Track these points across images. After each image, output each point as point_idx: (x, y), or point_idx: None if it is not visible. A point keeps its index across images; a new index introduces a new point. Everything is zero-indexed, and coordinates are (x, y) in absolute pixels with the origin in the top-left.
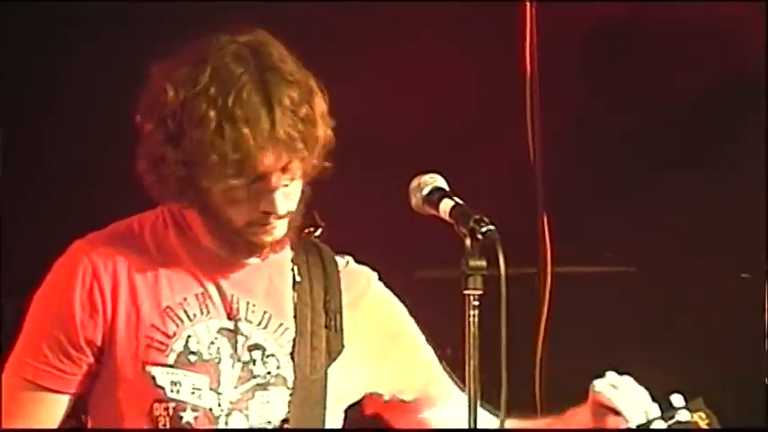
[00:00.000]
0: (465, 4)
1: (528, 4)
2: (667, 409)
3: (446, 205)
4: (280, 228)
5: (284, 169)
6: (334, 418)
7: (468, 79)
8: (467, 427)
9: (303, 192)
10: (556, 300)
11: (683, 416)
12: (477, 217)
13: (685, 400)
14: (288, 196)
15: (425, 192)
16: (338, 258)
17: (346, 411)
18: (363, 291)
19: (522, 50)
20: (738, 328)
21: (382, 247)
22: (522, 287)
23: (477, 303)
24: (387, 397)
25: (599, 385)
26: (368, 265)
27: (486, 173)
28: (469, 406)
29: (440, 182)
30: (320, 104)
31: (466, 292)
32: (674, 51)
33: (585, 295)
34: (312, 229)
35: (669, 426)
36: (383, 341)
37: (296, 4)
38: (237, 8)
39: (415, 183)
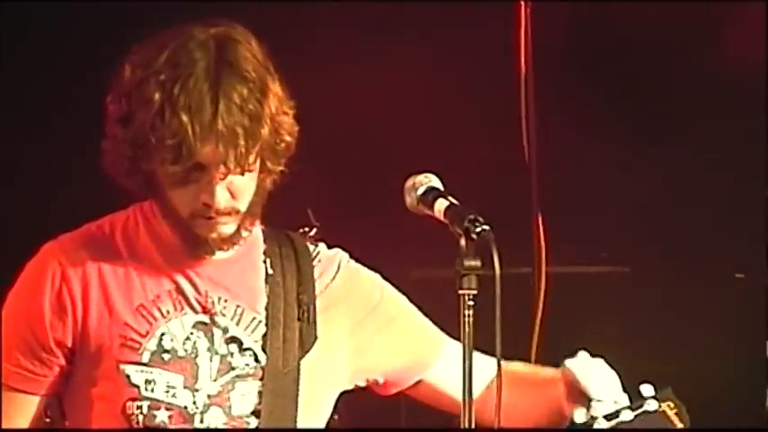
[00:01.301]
0: (459, 3)
1: (522, 3)
2: (636, 399)
3: (441, 205)
4: (226, 225)
5: (225, 163)
6: (321, 408)
7: (463, 78)
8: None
9: (258, 193)
10: (551, 300)
11: (650, 405)
12: (472, 217)
13: (655, 389)
14: (233, 192)
15: (420, 192)
16: (311, 247)
17: (338, 398)
18: (334, 275)
19: (517, 49)
20: (733, 329)
21: (377, 247)
22: (517, 287)
23: (472, 303)
24: (381, 380)
25: (569, 363)
26: (364, 266)
27: (481, 172)
28: (464, 404)
29: (434, 182)
30: (273, 106)
31: (461, 291)
32: (671, 50)
33: (580, 295)
34: (306, 229)
35: (636, 415)
36: (361, 322)
37: (290, 4)
38: (233, 8)
39: (409, 182)
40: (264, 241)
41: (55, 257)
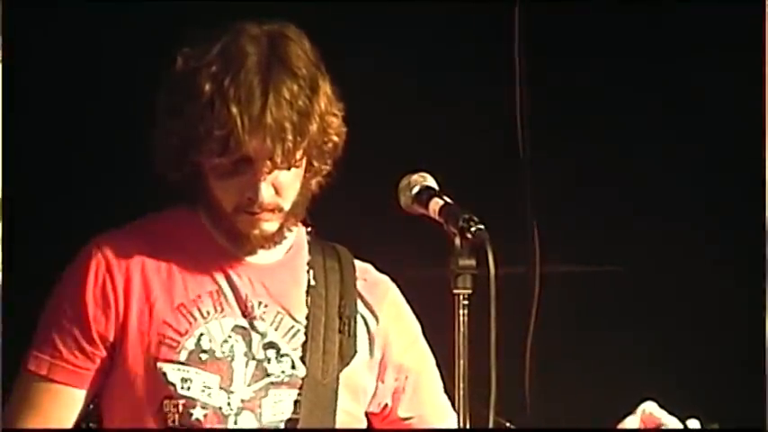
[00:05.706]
0: (454, 3)
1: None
2: None
3: (435, 204)
4: (268, 222)
5: (272, 157)
6: (357, 422)
7: (457, 76)
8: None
9: (303, 193)
10: (545, 299)
11: None
12: (467, 216)
13: (701, 424)
14: (277, 188)
15: (415, 191)
16: (358, 263)
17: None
18: (380, 300)
19: (512, 46)
20: (729, 329)
21: (372, 246)
22: (512, 286)
23: (466, 303)
24: (377, 409)
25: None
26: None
27: (476, 171)
28: (458, 404)
29: (429, 181)
30: (322, 104)
31: (455, 291)
32: (666, 50)
33: (575, 294)
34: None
35: None
36: (391, 353)
37: (283, 3)
38: (233, 7)
39: (404, 182)
40: (309, 252)
41: (100, 251)
